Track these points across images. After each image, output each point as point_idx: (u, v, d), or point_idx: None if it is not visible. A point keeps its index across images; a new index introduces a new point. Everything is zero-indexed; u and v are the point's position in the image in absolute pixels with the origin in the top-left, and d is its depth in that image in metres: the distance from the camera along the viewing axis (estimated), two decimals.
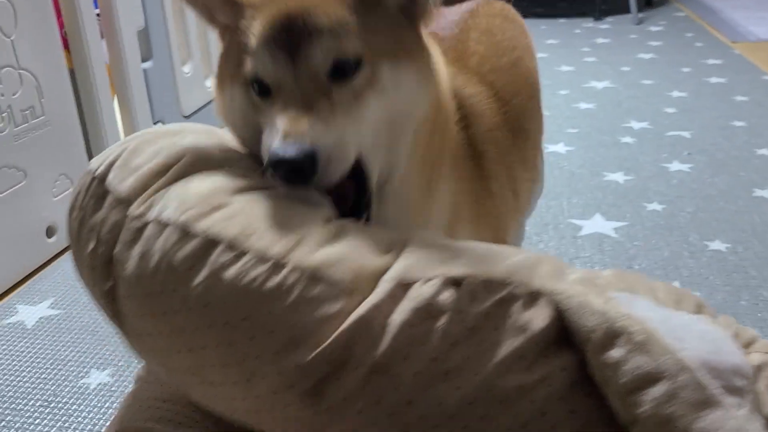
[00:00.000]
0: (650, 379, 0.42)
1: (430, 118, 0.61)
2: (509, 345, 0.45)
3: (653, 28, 3.10)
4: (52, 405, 0.91)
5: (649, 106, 2.04)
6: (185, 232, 0.50)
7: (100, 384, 0.95)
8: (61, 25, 1.39)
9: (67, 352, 1.02)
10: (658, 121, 1.90)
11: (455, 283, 0.47)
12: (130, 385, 0.92)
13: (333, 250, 0.49)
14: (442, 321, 0.45)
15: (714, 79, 2.27)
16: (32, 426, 0.87)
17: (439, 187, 0.65)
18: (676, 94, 2.14)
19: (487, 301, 0.46)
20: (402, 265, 0.48)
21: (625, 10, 3.30)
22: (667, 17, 3.33)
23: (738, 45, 2.72)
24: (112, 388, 0.94)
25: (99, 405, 0.91)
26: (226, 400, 0.50)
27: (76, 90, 1.42)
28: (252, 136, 0.57)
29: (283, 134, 0.50)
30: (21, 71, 1.22)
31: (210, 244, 0.49)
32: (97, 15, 1.49)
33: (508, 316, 0.46)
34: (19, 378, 0.97)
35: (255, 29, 0.55)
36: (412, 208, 0.63)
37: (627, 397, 0.42)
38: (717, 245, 1.24)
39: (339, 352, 0.45)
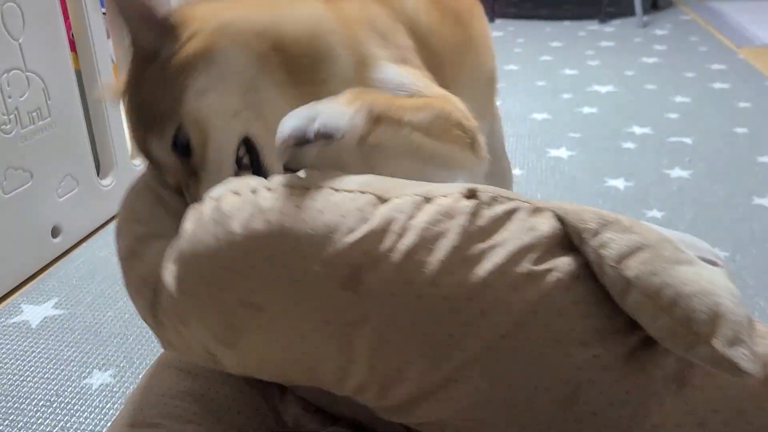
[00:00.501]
0: (637, 247, 0.52)
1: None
2: (519, 240, 0.54)
3: (658, 32, 3.10)
4: (54, 405, 0.93)
5: (652, 111, 2.05)
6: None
7: (102, 384, 0.96)
8: (69, 27, 1.40)
9: (70, 352, 1.04)
10: (660, 127, 1.91)
11: (470, 195, 0.56)
12: (132, 386, 0.94)
13: (350, 177, 0.58)
14: (460, 220, 0.54)
15: (717, 85, 2.27)
16: (34, 425, 0.89)
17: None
18: (678, 99, 2.15)
19: (497, 208, 0.55)
20: (422, 187, 0.57)
21: (631, 13, 3.30)
22: (673, 21, 3.33)
23: (743, 50, 2.72)
24: (114, 389, 0.95)
25: (100, 405, 0.92)
26: (273, 328, 0.57)
27: (82, 91, 1.43)
28: None
29: None
30: (28, 74, 1.24)
31: (254, 190, 0.57)
32: (104, 14, 1.50)
33: (517, 219, 0.55)
34: (22, 377, 0.99)
35: None
36: None
37: (618, 264, 0.51)
38: None
39: (371, 244, 0.53)
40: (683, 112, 2.03)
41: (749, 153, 1.70)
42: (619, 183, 1.56)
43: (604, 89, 2.28)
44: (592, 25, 3.27)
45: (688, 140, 1.80)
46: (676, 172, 1.61)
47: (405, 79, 0.70)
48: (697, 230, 1.33)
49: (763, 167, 1.62)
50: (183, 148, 0.62)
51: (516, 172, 1.65)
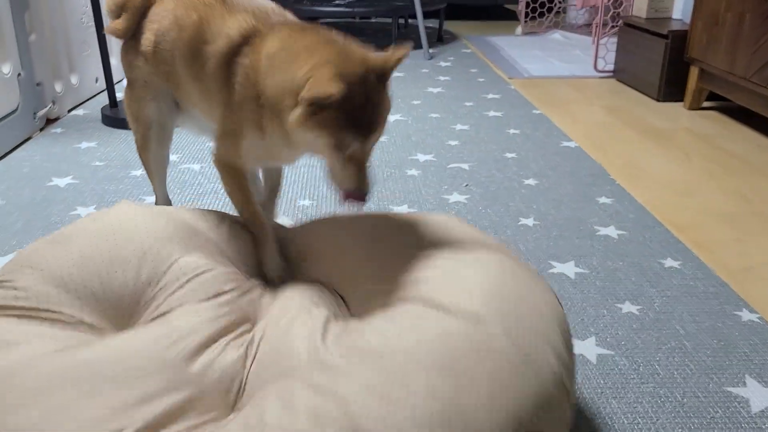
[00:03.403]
0: None
1: None
2: None
3: (443, 64, 3.32)
4: None
5: (435, 139, 2.17)
6: None
7: None
8: None
9: None
10: (441, 154, 2.02)
11: None
12: None
13: None
14: None
15: (492, 113, 2.47)
16: None
17: None
18: (459, 127, 2.30)
19: None
20: None
21: (420, 45, 3.51)
22: (456, 53, 3.60)
23: (514, 81, 3.00)
24: None
25: None
26: None
27: None
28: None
29: (363, 182, 0.89)
30: None
31: None
32: None
33: None
34: None
35: (351, 120, 0.85)
36: None
37: None
38: None
39: None
40: (463, 139, 2.17)
41: (517, 176, 1.86)
42: (403, 209, 1.62)
43: (393, 118, 2.38)
44: None
45: (465, 166, 1.93)
46: (455, 197, 1.70)
47: None
48: None
49: (528, 189, 1.77)
50: None
51: (305, 202, 1.65)
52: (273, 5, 1.03)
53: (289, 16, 1.03)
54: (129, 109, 1.25)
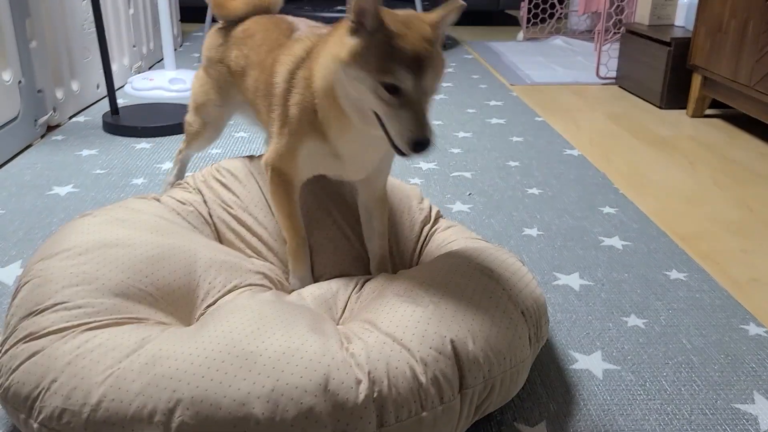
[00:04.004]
0: None
1: None
2: None
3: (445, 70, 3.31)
4: None
5: (438, 146, 2.16)
6: None
7: None
8: None
9: None
10: (444, 162, 2.01)
11: None
12: None
13: None
14: None
15: (494, 120, 2.46)
16: None
17: None
18: (461, 134, 2.29)
19: None
20: None
21: None
22: (457, 59, 3.59)
23: (516, 87, 2.99)
24: None
25: None
26: None
27: None
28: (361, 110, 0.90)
29: (424, 127, 0.84)
30: None
31: None
32: None
33: None
34: None
35: (398, 50, 0.83)
36: None
37: None
38: None
39: None
40: (465, 147, 2.16)
41: (520, 185, 1.85)
42: None
43: None
44: None
45: (468, 174, 1.92)
46: (458, 206, 1.69)
47: None
48: None
49: (531, 198, 1.76)
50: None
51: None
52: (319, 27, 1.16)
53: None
54: (196, 92, 1.35)
